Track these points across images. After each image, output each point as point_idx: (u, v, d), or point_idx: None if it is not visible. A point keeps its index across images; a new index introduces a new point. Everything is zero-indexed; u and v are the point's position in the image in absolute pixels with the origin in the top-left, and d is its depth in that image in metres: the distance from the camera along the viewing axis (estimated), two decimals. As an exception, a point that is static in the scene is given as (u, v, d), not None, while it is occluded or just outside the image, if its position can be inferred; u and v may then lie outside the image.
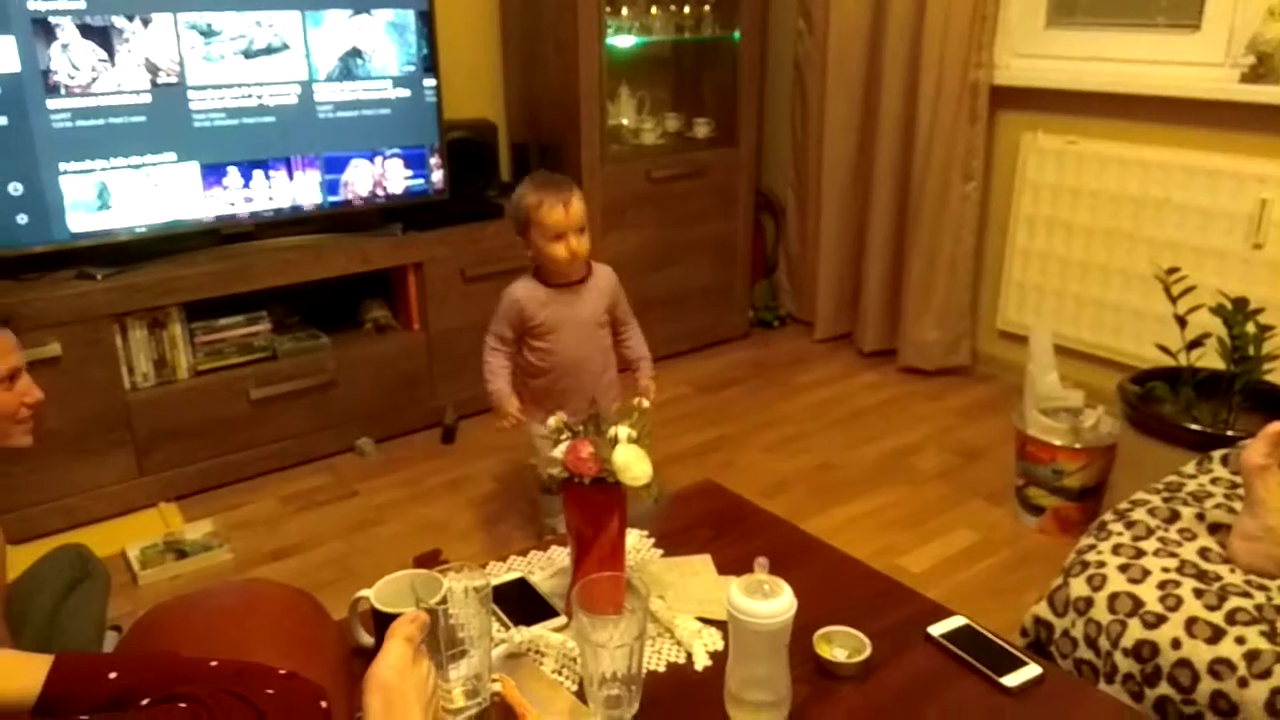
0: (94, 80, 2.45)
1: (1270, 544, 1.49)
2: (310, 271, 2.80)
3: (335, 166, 2.86)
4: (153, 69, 2.53)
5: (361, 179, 2.91)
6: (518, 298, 2.21)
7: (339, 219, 2.94)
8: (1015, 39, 3.13)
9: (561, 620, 1.31)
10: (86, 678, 0.85)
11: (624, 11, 3.41)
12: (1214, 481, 1.77)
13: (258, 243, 2.80)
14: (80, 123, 2.46)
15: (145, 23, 2.49)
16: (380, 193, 2.96)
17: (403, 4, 2.83)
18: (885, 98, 3.33)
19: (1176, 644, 1.39)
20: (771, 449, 2.96)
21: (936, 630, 1.28)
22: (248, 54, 2.65)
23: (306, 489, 2.77)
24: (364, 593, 1.22)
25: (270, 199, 2.78)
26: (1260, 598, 1.43)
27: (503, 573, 1.45)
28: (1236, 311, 2.19)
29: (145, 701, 0.83)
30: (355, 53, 2.81)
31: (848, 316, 3.73)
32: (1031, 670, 1.21)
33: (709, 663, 1.24)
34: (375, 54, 2.84)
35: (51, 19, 2.37)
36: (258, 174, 2.75)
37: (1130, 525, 1.64)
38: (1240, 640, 1.35)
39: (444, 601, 1.09)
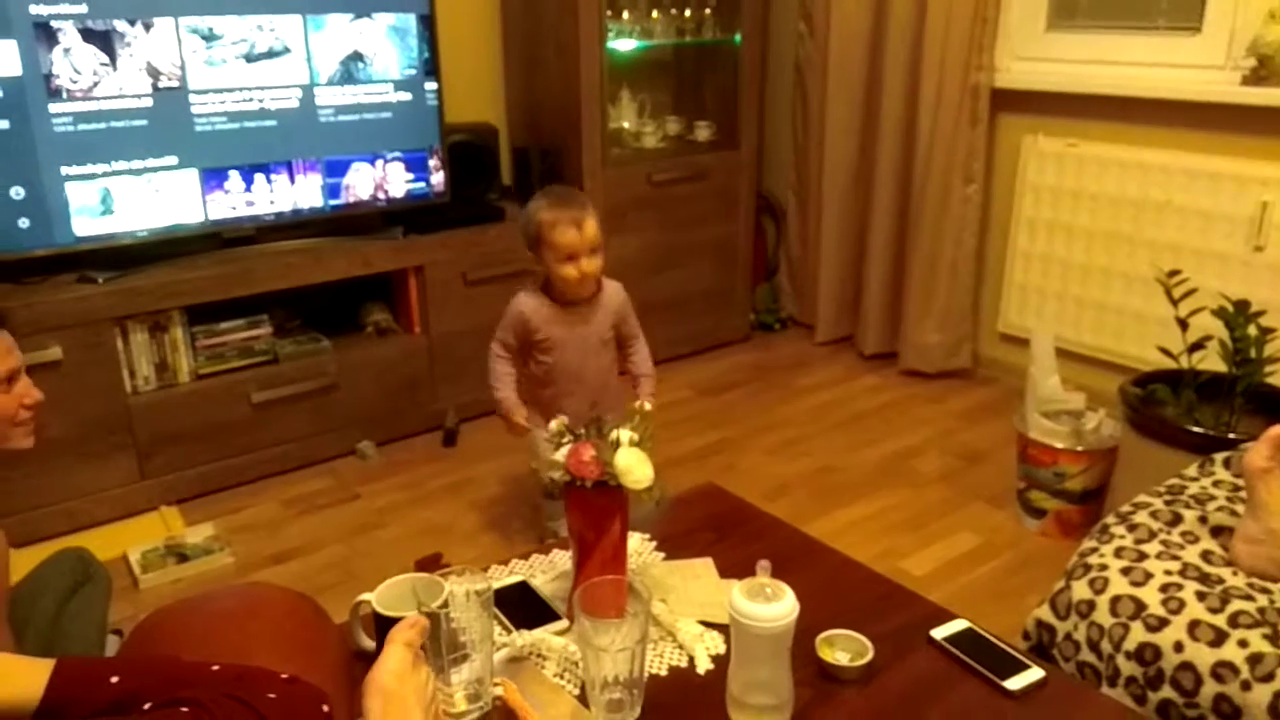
0: (96, 84, 2.46)
1: (1273, 547, 1.49)
2: (311, 275, 2.80)
3: (336, 170, 2.86)
4: (154, 73, 2.53)
5: (362, 182, 2.92)
6: (523, 310, 2.20)
7: (340, 222, 2.94)
8: (1016, 42, 3.13)
9: (563, 624, 1.30)
10: (88, 682, 0.85)
11: (625, 15, 3.41)
12: (1216, 484, 1.77)
13: (259, 246, 2.80)
14: (82, 127, 2.46)
15: (147, 27, 2.49)
16: (381, 196, 2.96)
17: (404, 8, 2.84)
18: (886, 101, 3.33)
19: (1179, 647, 1.39)
20: (773, 452, 2.96)
21: (939, 633, 1.28)
22: (249, 58, 2.65)
23: (308, 492, 2.77)
24: (365, 596, 1.22)
25: (271, 202, 2.79)
26: (1263, 601, 1.43)
27: (504, 576, 1.44)
28: (1238, 314, 2.19)
29: (147, 706, 0.83)
30: (356, 56, 2.81)
31: (849, 319, 3.73)
32: (1034, 673, 1.20)
33: (711, 666, 1.24)
34: (376, 58, 2.84)
35: (53, 23, 2.37)
36: (259, 178, 2.75)
37: (1132, 528, 1.64)
38: (1243, 643, 1.35)
39: (445, 605, 1.09)
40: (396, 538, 2.54)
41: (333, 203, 2.89)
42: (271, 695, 0.84)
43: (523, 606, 1.35)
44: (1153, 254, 2.79)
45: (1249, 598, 1.44)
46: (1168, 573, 1.50)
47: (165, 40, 2.53)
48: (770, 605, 1.07)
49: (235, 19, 2.60)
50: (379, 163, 2.92)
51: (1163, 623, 1.42)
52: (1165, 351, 2.32)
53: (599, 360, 2.26)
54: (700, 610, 1.34)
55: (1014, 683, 1.19)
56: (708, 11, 3.55)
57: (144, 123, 2.54)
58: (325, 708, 0.87)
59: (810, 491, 2.72)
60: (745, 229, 3.70)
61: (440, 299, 3.01)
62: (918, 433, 3.06)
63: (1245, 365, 2.19)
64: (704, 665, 1.24)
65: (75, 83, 2.43)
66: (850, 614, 1.30)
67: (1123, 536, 1.62)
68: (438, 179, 3.03)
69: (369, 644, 1.23)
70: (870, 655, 1.22)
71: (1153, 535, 1.61)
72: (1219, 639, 1.37)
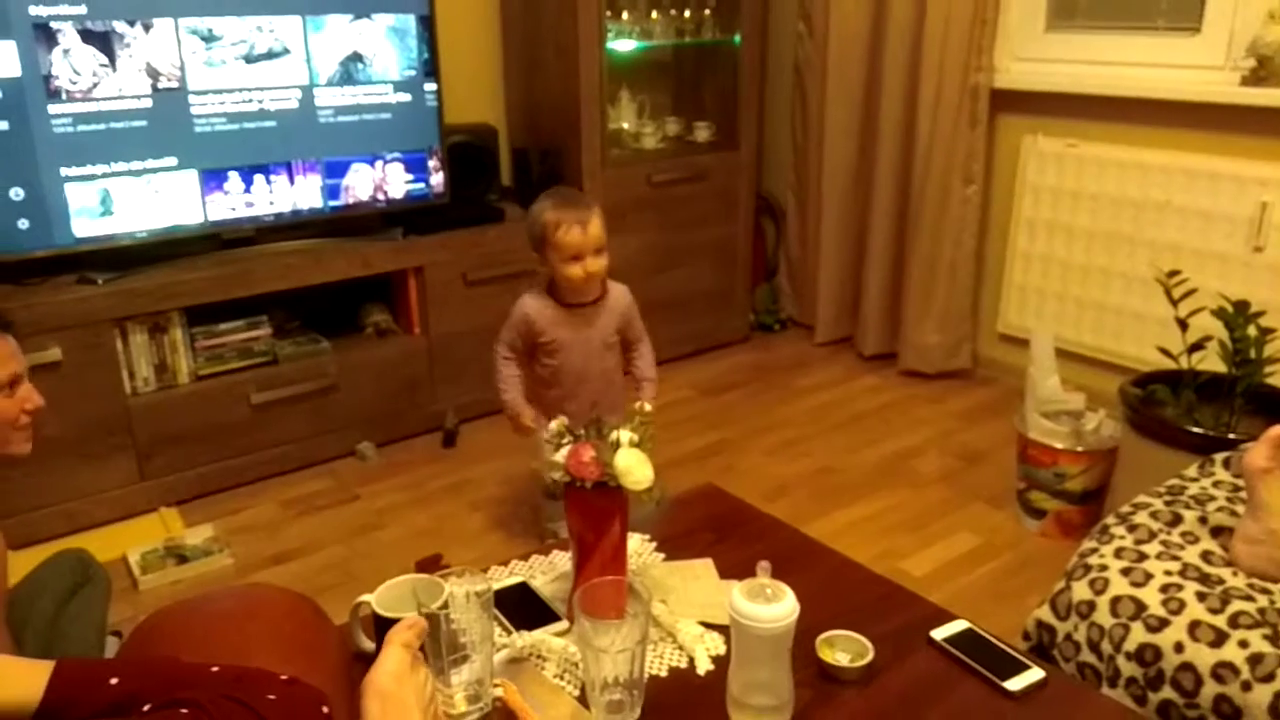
0: (95, 85, 2.46)
1: (1273, 547, 1.49)
2: (311, 276, 2.80)
3: (336, 171, 2.86)
4: (154, 74, 2.53)
5: (362, 183, 2.92)
6: (528, 312, 2.21)
7: (340, 223, 2.94)
8: (1015, 42, 3.14)
9: (563, 625, 1.30)
10: (88, 684, 0.85)
11: (624, 16, 3.42)
12: (1216, 485, 1.77)
13: (258, 247, 2.80)
14: (81, 128, 2.46)
15: (146, 28, 2.49)
16: (381, 197, 2.96)
17: (403, 9, 2.84)
18: (885, 101, 3.33)
19: (1179, 648, 1.39)
20: (772, 452, 2.96)
21: (939, 634, 1.28)
22: (249, 59, 2.65)
23: (307, 493, 2.76)
24: (365, 598, 1.22)
25: (271, 203, 2.78)
26: (1263, 601, 1.43)
27: (504, 577, 1.44)
28: (1238, 314, 2.19)
29: (146, 707, 0.83)
30: (356, 57, 2.81)
31: (848, 320, 3.73)
32: (1034, 674, 1.20)
33: (711, 667, 1.23)
34: (376, 59, 2.84)
35: (53, 24, 2.37)
36: (259, 178, 2.75)
37: (1132, 528, 1.64)
38: (1244, 644, 1.35)
39: (445, 606, 1.09)
40: (396, 539, 2.54)
41: (332, 204, 2.89)
42: (271, 696, 0.84)
43: (523, 607, 1.35)
44: (1152, 254, 2.79)
45: (1249, 598, 1.44)
46: (1168, 573, 1.50)
47: (164, 41, 2.52)
48: (770, 606, 1.07)
49: (235, 20, 2.60)
50: (378, 163, 2.92)
51: (1163, 623, 1.42)
52: (1165, 352, 2.32)
53: (603, 363, 2.26)
54: (700, 611, 1.33)
55: (1014, 683, 1.19)
56: (707, 12, 3.55)
57: (143, 124, 2.54)
58: (325, 709, 0.87)
59: (810, 492, 2.72)
60: (745, 230, 3.70)
61: (440, 300, 3.00)
62: (917, 433, 3.06)
63: (1245, 366, 2.19)
64: (704, 666, 1.24)
65: (75, 84, 2.43)
66: (850, 615, 1.30)
67: (1123, 537, 1.62)
68: (437, 180, 3.03)
69: (369, 645, 1.23)
70: (870, 656, 1.21)
71: (1153, 536, 1.61)
72: (1219, 639, 1.37)
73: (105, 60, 2.46)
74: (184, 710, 0.80)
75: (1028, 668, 1.21)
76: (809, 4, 3.52)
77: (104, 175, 2.52)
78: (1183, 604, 1.43)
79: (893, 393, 3.37)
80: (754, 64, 3.56)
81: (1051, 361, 2.51)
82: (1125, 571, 1.53)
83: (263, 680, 0.87)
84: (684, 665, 1.25)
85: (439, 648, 1.07)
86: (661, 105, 3.78)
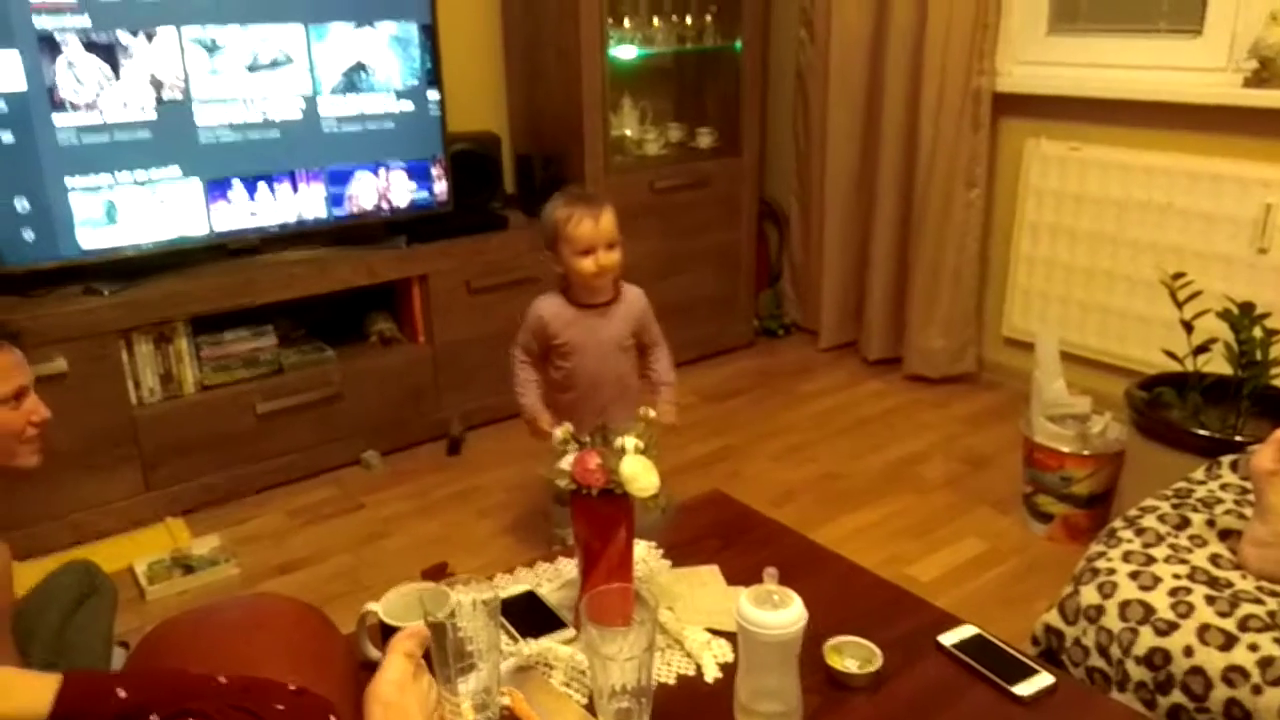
0: (99, 96, 2.46)
1: (1282, 550, 1.48)
2: (315, 285, 2.80)
3: (339, 180, 2.87)
4: (157, 84, 2.54)
5: (366, 192, 2.92)
6: (542, 314, 2.21)
7: (344, 232, 2.94)
8: (1017, 46, 3.14)
9: (570, 632, 1.30)
10: (95, 696, 0.85)
11: (626, 23, 3.42)
12: (1223, 487, 1.76)
13: (263, 257, 2.81)
14: (86, 139, 2.47)
15: (150, 38, 2.50)
16: (385, 205, 2.96)
17: (406, 17, 2.85)
18: (888, 106, 3.33)
19: (1189, 651, 1.38)
20: (778, 458, 2.96)
21: (947, 640, 1.27)
22: (252, 68, 2.66)
23: (313, 502, 2.77)
24: (372, 606, 1.22)
25: (275, 213, 2.79)
26: (1273, 604, 1.42)
27: (511, 585, 1.44)
28: (1243, 316, 2.18)
29: (154, 719, 0.83)
30: (359, 66, 2.82)
31: (852, 325, 3.72)
32: (1044, 679, 1.20)
33: (719, 674, 1.23)
34: (379, 67, 2.85)
35: (56, 35, 2.38)
36: (263, 188, 2.75)
37: (1140, 532, 1.64)
38: (1253, 647, 1.35)
39: (452, 615, 1.09)
40: (402, 547, 2.54)
41: (336, 212, 2.89)
42: (279, 706, 0.84)
43: (529, 615, 1.34)
44: (1156, 257, 2.79)
45: (1258, 601, 1.43)
46: (1176, 577, 1.50)
47: (168, 51, 2.53)
48: (778, 612, 1.07)
49: (238, 29, 2.61)
50: (382, 172, 2.93)
51: (1172, 627, 1.42)
52: (1170, 354, 2.32)
53: (618, 365, 2.26)
54: (707, 618, 1.33)
55: (1023, 688, 1.18)
56: (709, 18, 3.55)
57: (147, 134, 2.55)
58: (333, 718, 0.87)
59: (816, 498, 2.72)
60: (748, 235, 3.70)
61: (444, 308, 3.01)
62: (923, 438, 3.05)
63: (1251, 368, 2.18)
64: (712, 673, 1.23)
65: (79, 95, 2.44)
66: (858, 620, 1.29)
67: (1130, 541, 1.62)
68: (441, 188, 3.03)
69: (376, 654, 1.23)
70: (879, 662, 1.21)
71: (1160, 539, 1.61)
72: (1229, 643, 1.36)
73: (109, 71, 2.46)
74: (192, 721, 0.80)
75: (1037, 673, 1.21)
76: (810, 9, 3.53)
77: (109, 186, 2.53)
78: (1192, 607, 1.43)
79: (897, 397, 3.36)
80: (756, 70, 3.56)
81: (1057, 365, 2.51)
82: (1133, 575, 1.52)
83: (271, 690, 0.87)
84: (692, 672, 1.24)
85: (445, 656, 1.07)
86: (664, 112, 3.79)
